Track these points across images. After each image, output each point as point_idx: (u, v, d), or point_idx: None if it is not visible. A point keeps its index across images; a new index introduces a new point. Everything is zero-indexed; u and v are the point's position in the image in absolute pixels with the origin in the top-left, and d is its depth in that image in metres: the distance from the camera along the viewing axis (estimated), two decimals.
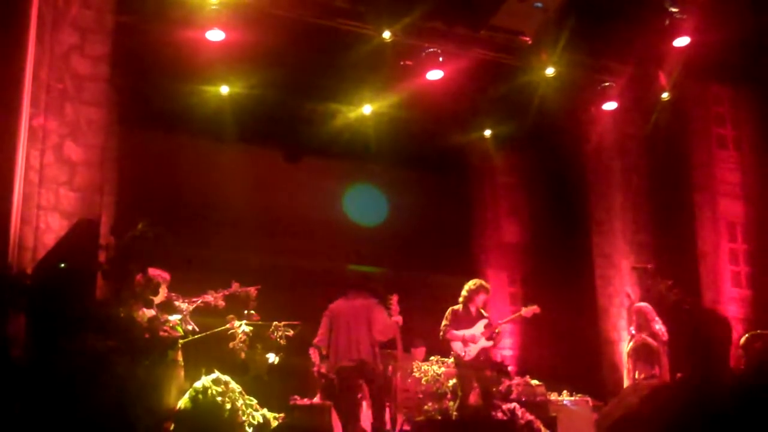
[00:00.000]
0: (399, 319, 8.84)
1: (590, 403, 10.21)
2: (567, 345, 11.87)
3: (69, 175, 7.39)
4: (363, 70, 10.46)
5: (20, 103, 6.73)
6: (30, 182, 6.97)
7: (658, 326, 9.45)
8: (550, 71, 10.53)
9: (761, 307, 10.87)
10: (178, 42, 9.34)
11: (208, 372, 7.41)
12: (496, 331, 9.30)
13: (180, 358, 7.68)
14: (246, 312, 8.02)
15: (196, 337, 7.80)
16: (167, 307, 7.67)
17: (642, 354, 9.42)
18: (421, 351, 10.99)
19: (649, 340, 9.42)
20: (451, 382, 9.82)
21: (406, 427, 9.55)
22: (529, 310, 9.69)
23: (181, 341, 7.60)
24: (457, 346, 9.16)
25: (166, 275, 7.78)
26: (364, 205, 12.95)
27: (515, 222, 13.44)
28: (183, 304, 7.78)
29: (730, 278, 11.19)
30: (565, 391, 10.59)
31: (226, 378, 7.42)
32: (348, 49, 9.85)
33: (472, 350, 9.12)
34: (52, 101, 7.35)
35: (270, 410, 7.58)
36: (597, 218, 11.99)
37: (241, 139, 11.45)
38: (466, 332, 9.15)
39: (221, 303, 7.93)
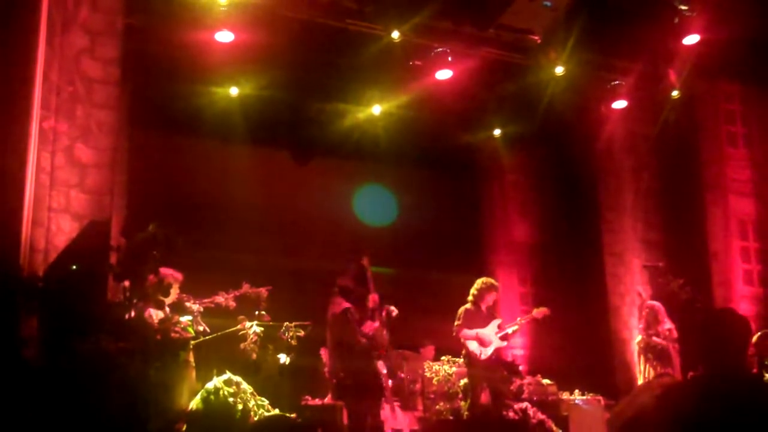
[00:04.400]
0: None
1: (602, 402, 10.16)
2: (578, 344, 11.84)
3: (80, 178, 7.40)
4: (372, 70, 10.45)
5: (31, 106, 6.75)
6: (41, 184, 6.99)
7: (667, 326, 9.42)
8: (559, 70, 10.50)
9: None
10: (187, 43, 9.35)
11: (220, 373, 7.41)
12: (509, 331, 9.26)
13: (191, 359, 7.68)
14: (257, 313, 8.03)
15: (207, 338, 7.80)
16: (178, 307, 7.68)
17: (653, 353, 9.39)
18: (429, 350, 10.97)
19: (656, 339, 9.39)
20: (463, 381, 9.79)
21: (417, 427, 9.52)
22: (540, 312, 9.63)
23: (192, 342, 7.61)
24: (472, 345, 9.04)
25: (178, 275, 7.76)
26: (373, 205, 12.93)
27: (525, 221, 13.39)
28: (194, 305, 7.78)
29: (741, 276, 11.17)
30: (576, 390, 10.56)
31: (237, 379, 7.43)
32: (357, 49, 9.84)
33: (488, 350, 9.06)
34: (62, 104, 7.37)
35: (281, 411, 7.58)
36: (607, 217, 11.97)
37: (251, 140, 11.45)
38: (480, 332, 9.08)
39: (232, 304, 7.94)
